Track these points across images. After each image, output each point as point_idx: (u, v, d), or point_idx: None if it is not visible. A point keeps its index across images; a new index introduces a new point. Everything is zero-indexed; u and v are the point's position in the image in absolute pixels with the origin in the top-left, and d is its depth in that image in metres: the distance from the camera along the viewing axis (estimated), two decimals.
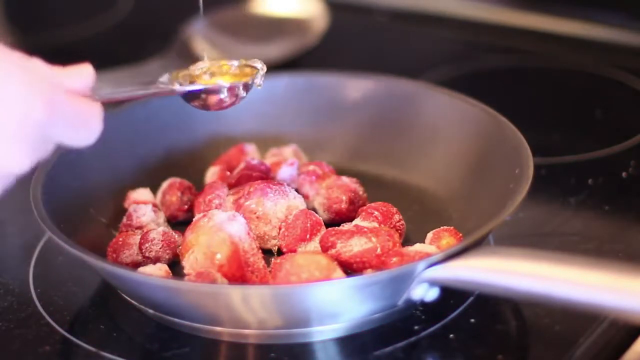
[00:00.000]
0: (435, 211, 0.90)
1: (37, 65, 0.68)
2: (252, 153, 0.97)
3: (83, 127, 0.69)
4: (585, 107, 1.13)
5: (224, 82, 0.81)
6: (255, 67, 0.83)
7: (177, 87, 0.79)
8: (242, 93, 0.81)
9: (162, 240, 0.84)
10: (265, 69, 0.82)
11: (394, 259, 0.77)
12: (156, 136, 0.97)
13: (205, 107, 0.81)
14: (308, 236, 0.83)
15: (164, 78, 0.80)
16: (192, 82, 0.80)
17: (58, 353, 0.79)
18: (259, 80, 0.82)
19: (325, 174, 0.92)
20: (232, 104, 0.82)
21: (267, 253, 0.85)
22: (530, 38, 1.30)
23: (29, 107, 0.65)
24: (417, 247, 0.80)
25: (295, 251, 0.83)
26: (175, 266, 0.84)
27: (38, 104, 0.65)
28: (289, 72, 1.08)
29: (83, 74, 0.71)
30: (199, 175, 0.96)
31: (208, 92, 0.80)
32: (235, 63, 0.82)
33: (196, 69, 0.82)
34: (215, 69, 0.82)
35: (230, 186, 0.91)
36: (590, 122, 1.10)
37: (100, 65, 0.78)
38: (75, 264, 0.85)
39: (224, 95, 0.80)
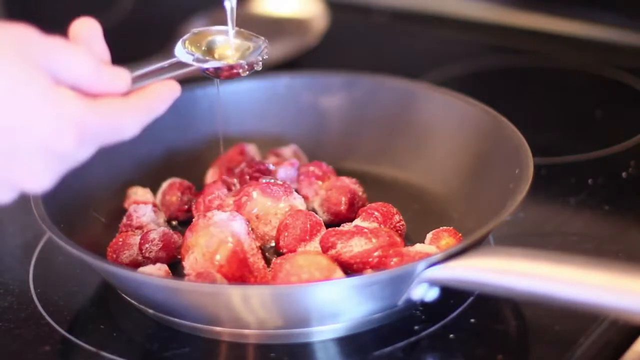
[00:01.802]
0: (435, 211, 0.90)
1: (66, 92, 0.64)
2: (252, 153, 0.97)
3: (118, 134, 0.68)
4: (585, 107, 1.13)
5: (244, 59, 0.80)
6: (255, 40, 0.82)
7: (203, 64, 0.78)
8: (258, 67, 0.81)
9: (162, 241, 0.84)
10: (266, 42, 0.83)
11: (394, 259, 0.77)
12: (156, 136, 0.97)
13: (217, 75, 0.81)
14: (308, 236, 0.83)
15: (179, 50, 0.79)
16: (209, 53, 0.80)
17: (58, 353, 0.79)
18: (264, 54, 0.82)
19: (325, 174, 0.92)
20: (240, 75, 0.81)
21: (267, 253, 0.85)
22: (530, 38, 1.30)
23: (56, 139, 0.63)
24: (417, 247, 0.80)
25: (295, 251, 0.83)
26: (175, 266, 0.84)
27: (66, 136, 0.63)
28: (289, 72, 1.08)
29: (120, 82, 0.68)
30: (199, 175, 0.96)
31: (226, 66, 0.80)
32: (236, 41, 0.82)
33: (207, 33, 0.81)
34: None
35: (230, 186, 0.91)
36: (590, 122, 1.10)
37: None
38: (75, 264, 0.85)
39: (241, 70, 0.80)
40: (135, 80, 0.71)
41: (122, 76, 0.69)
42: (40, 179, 0.65)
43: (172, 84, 0.72)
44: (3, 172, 0.63)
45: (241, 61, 0.80)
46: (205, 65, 0.78)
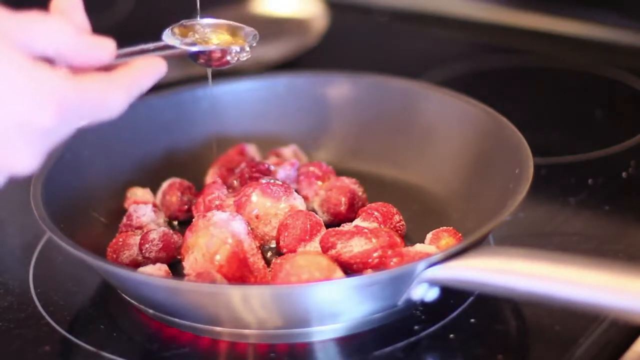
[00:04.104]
0: (435, 211, 0.90)
1: (44, 67, 0.63)
2: (252, 153, 0.97)
3: (101, 110, 0.66)
4: (585, 107, 1.13)
5: (235, 44, 0.80)
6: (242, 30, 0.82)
7: (190, 47, 0.78)
8: (244, 55, 0.81)
9: (162, 241, 0.84)
10: (255, 32, 0.82)
11: (394, 259, 0.77)
12: (156, 136, 0.97)
13: (208, 64, 0.80)
14: (308, 237, 0.83)
15: (167, 36, 0.78)
16: (196, 40, 0.79)
17: (58, 353, 0.79)
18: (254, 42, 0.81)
19: (324, 174, 0.92)
20: (230, 63, 0.81)
21: (267, 253, 0.85)
22: (530, 38, 1.30)
23: (36, 115, 0.62)
24: (417, 247, 0.80)
25: (295, 251, 0.83)
26: (175, 266, 0.84)
27: (46, 112, 0.62)
28: (289, 72, 1.08)
29: (103, 50, 0.66)
30: (199, 175, 0.96)
31: (215, 51, 0.80)
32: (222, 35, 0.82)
33: (195, 25, 0.81)
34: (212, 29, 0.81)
35: (230, 186, 0.91)
36: (590, 122, 1.10)
37: None
38: (75, 264, 0.85)
39: (230, 57, 0.80)
40: (119, 58, 0.69)
41: (104, 45, 0.67)
42: (24, 158, 0.63)
43: (157, 60, 0.70)
44: None
45: (231, 47, 0.79)
46: (192, 49, 0.78)
